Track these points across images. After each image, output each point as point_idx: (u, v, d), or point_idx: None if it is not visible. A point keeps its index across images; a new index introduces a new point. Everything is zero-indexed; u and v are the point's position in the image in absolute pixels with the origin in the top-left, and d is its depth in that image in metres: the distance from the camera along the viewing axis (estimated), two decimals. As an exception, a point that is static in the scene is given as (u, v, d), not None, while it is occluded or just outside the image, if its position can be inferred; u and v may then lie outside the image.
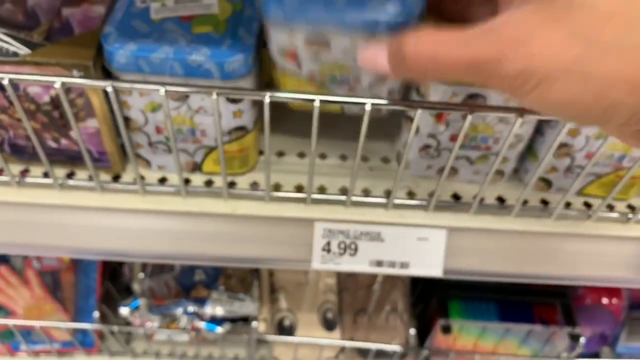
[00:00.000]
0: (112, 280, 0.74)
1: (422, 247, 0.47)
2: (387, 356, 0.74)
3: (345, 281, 0.79)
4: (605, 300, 0.78)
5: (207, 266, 0.74)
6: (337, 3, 0.33)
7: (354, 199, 0.46)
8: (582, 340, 0.74)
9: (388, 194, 0.48)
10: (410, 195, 0.48)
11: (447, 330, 0.74)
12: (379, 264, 0.48)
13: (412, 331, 0.73)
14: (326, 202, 0.46)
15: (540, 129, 0.46)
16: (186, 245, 0.48)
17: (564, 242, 0.48)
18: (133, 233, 0.47)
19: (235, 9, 0.42)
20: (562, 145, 0.45)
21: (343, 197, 0.46)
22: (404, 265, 0.48)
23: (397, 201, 0.47)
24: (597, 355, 0.83)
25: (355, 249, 0.47)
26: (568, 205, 0.49)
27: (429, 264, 0.48)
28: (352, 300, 0.78)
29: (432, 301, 0.76)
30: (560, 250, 0.49)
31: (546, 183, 0.48)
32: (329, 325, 0.78)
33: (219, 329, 0.70)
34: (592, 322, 0.78)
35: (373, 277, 0.77)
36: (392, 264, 0.48)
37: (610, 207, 0.49)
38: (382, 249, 0.47)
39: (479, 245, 0.48)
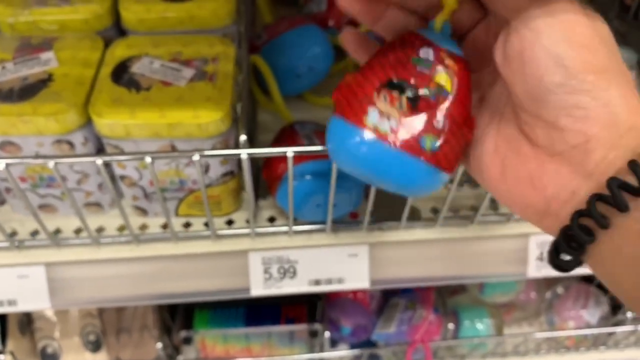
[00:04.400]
0: None
1: (23, 286, 0.50)
2: (144, 371, 0.77)
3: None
4: (350, 294, 0.81)
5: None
6: None
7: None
8: (327, 334, 0.77)
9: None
10: (13, 234, 0.50)
11: (188, 341, 0.77)
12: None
13: (159, 345, 0.76)
14: None
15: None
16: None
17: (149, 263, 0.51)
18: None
19: None
20: (124, 177, 0.47)
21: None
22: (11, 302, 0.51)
23: None
24: (375, 345, 0.86)
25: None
26: (165, 226, 0.51)
27: (36, 298, 0.50)
28: (113, 320, 0.81)
29: (178, 313, 0.79)
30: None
31: (142, 210, 0.51)
32: (93, 347, 0.80)
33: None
34: (347, 315, 0.81)
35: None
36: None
37: (207, 224, 0.52)
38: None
39: (80, 275, 0.50)
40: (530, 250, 0.53)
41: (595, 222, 0.27)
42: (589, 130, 0.27)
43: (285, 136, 0.50)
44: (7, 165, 0.40)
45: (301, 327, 0.77)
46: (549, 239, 0.54)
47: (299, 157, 0.46)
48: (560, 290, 0.88)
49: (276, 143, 0.51)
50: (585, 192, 0.28)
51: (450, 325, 0.80)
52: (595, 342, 0.85)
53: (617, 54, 0.29)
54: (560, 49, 0.27)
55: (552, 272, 0.54)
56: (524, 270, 0.54)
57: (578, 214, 0.27)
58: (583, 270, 0.56)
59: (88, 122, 0.44)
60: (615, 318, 0.84)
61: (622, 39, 0.71)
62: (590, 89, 0.27)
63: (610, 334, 0.83)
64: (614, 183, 0.26)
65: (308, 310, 0.80)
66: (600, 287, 0.88)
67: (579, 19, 0.27)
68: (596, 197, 0.27)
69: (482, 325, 0.84)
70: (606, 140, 0.27)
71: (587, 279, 0.89)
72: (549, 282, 0.88)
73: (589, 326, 0.85)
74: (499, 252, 0.53)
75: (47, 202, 0.50)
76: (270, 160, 0.48)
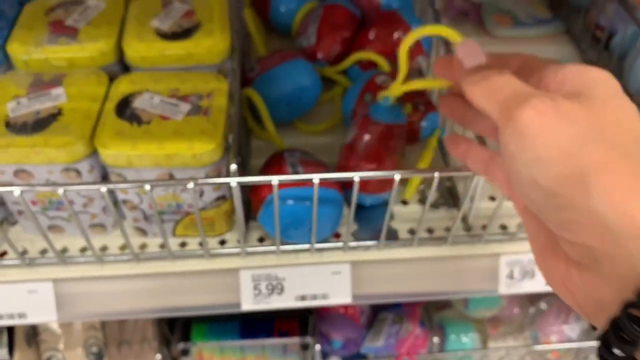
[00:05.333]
0: None
1: (32, 300, 0.54)
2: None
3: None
4: (341, 309, 0.85)
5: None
6: None
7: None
8: (318, 347, 0.81)
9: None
10: (24, 253, 0.55)
11: (185, 353, 0.81)
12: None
13: (158, 357, 0.80)
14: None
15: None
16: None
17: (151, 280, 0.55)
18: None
19: None
20: (126, 201, 0.52)
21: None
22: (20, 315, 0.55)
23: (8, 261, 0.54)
24: (364, 357, 0.90)
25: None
26: (163, 246, 0.56)
27: (44, 312, 0.55)
28: (115, 332, 0.85)
29: (177, 326, 0.83)
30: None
31: (142, 231, 0.56)
32: (95, 358, 0.84)
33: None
34: (338, 329, 0.85)
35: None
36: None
37: (201, 244, 0.56)
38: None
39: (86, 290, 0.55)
40: (500, 269, 0.57)
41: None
42: (589, 241, 0.25)
43: (273, 163, 0.54)
44: (22, 192, 0.45)
45: (293, 340, 0.81)
46: (518, 258, 0.58)
47: (282, 184, 0.50)
48: (543, 305, 0.92)
49: (265, 169, 0.55)
50: (609, 301, 0.26)
51: (436, 339, 0.83)
52: (577, 356, 0.89)
53: (614, 134, 0.25)
54: (533, 169, 0.26)
55: (522, 289, 0.58)
56: (496, 288, 0.58)
57: (627, 306, 0.25)
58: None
59: (94, 153, 0.48)
60: (596, 333, 0.88)
61: (594, 69, 0.76)
62: (571, 203, 0.25)
63: (592, 348, 0.87)
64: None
65: (300, 324, 0.84)
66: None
67: (548, 126, 0.25)
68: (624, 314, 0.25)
69: (467, 339, 0.88)
70: (608, 251, 0.25)
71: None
72: (532, 298, 0.92)
73: (570, 341, 0.88)
74: (471, 271, 0.57)
75: (55, 223, 0.54)
76: (255, 185, 0.53)
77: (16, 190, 0.45)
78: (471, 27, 0.82)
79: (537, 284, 0.58)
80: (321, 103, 0.69)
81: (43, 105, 0.50)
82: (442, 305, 0.90)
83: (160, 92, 0.51)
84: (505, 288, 0.58)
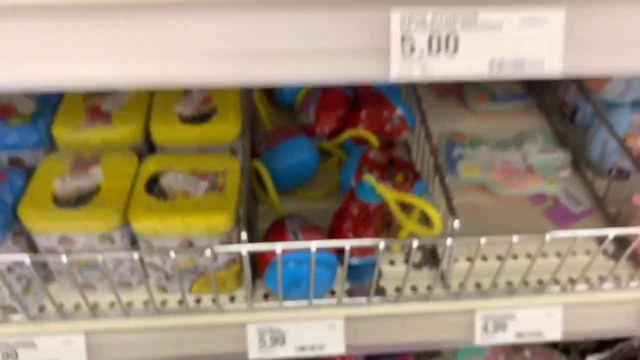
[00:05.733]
0: None
1: (66, 350, 0.62)
2: None
3: None
4: (338, 358, 0.92)
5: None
6: None
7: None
8: (317, 393, 0.88)
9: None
10: (60, 308, 0.63)
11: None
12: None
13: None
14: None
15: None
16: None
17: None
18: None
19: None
20: (151, 264, 0.61)
21: None
22: None
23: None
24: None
25: (17, 355, 0.62)
26: (181, 302, 0.64)
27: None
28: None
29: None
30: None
31: (163, 289, 0.64)
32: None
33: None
34: (335, 376, 0.92)
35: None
36: None
37: (214, 301, 0.64)
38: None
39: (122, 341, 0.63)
40: (476, 322, 0.65)
41: None
42: None
43: (276, 230, 0.63)
44: (67, 259, 0.53)
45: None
46: (492, 313, 0.66)
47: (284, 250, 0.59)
48: (527, 354, 0.98)
49: (268, 234, 0.64)
50: None
51: (426, 386, 0.90)
52: (559, 402, 0.95)
53: None
54: None
55: (496, 340, 0.66)
56: (472, 339, 0.66)
57: None
58: (549, 335, 0.67)
59: (126, 224, 0.57)
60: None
61: (562, 140, 0.86)
62: None
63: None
64: None
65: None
66: (564, 351, 0.99)
67: None
68: None
69: (456, 386, 0.94)
70: None
71: (553, 344, 1.00)
72: (517, 347, 0.99)
73: (552, 387, 0.95)
74: (451, 324, 0.65)
75: (89, 281, 0.63)
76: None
77: (64, 258, 0.53)
78: (453, 102, 0.92)
79: (509, 336, 0.66)
80: (319, 172, 0.78)
81: (84, 183, 0.59)
82: (433, 353, 0.97)
83: (183, 171, 0.61)
84: (480, 339, 0.65)
